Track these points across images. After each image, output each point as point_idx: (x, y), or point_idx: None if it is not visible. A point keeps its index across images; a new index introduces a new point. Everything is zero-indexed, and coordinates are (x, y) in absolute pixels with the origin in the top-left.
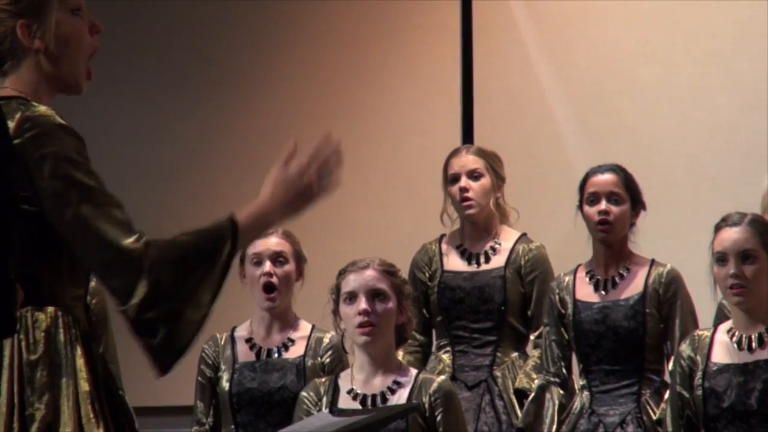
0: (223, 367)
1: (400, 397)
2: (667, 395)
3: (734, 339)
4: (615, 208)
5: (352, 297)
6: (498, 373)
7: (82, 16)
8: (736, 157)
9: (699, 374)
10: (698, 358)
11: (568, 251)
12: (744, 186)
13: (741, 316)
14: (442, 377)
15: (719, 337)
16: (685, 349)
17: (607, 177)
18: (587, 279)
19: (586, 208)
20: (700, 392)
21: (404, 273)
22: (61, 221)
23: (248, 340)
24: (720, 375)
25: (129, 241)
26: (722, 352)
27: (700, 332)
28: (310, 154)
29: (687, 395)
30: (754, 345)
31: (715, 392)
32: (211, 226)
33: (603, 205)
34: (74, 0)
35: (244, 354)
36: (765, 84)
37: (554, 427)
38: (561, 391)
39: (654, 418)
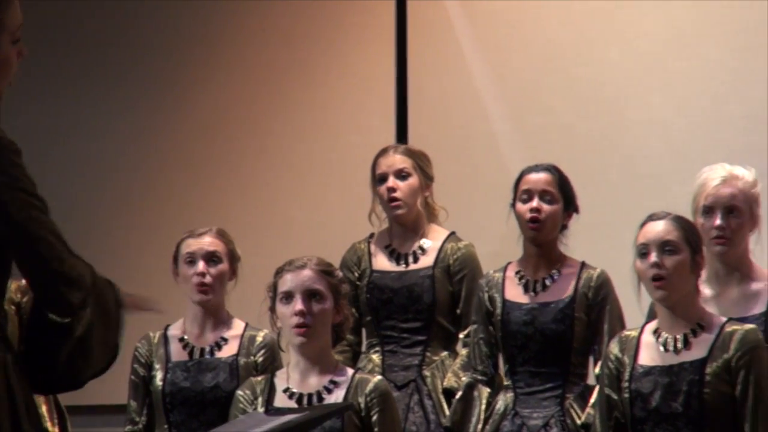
0: (156, 366)
1: (337, 397)
2: (592, 399)
3: (660, 340)
4: (547, 206)
5: (288, 297)
6: (427, 373)
7: (17, 46)
8: (671, 156)
9: (626, 376)
10: (626, 359)
11: (503, 250)
12: (678, 186)
13: (666, 315)
14: (378, 377)
15: (645, 338)
16: (612, 349)
17: (541, 175)
18: (517, 279)
19: (519, 205)
20: (627, 394)
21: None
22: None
23: (181, 339)
24: (646, 377)
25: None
26: (648, 354)
27: (627, 332)
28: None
29: (615, 397)
30: (679, 346)
31: (641, 394)
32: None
33: (535, 202)
34: (17, 31)
35: (177, 353)
36: (699, 83)
37: (480, 426)
38: (488, 390)
39: (578, 422)
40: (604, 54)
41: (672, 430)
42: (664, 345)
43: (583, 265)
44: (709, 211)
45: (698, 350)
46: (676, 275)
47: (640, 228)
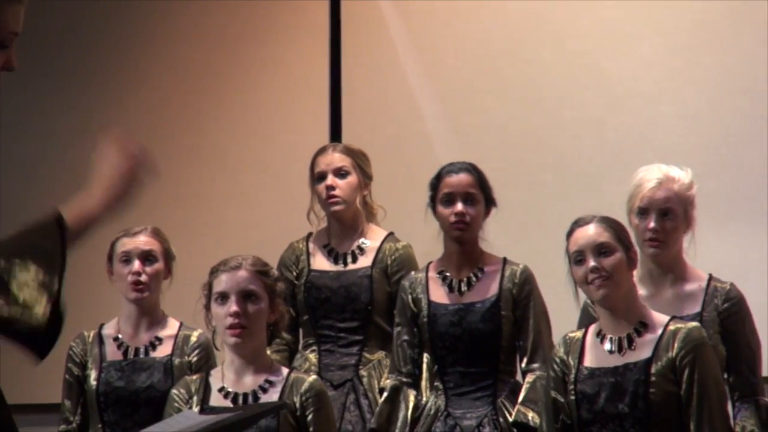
0: (90, 365)
1: (272, 396)
2: (521, 395)
3: (604, 342)
4: (471, 209)
5: (223, 297)
6: (363, 373)
7: (4, 52)
8: (604, 155)
9: (572, 378)
10: (571, 361)
11: (438, 250)
12: (612, 185)
13: (608, 316)
14: (314, 377)
15: (590, 340)
16: (557, 352)
17: (462, 177)
18: (440, 280)
19: (441, 208)
20: (572, 396)
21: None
22: None
23: (116, 339)
24: (591, 379)
25: None
26: (593, 356)
27: (572, 334)
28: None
29: (561, 399)
30: (624, 346)
31: (586, 396)
32: (38, 226)
33: (459, 206)
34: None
35: (111, 352)
36: (632, 82)
37: (407, 429)
38: (414, 392)
39: (510, 419)
40: (537, 54)
41: (619, 431)
42: (609, 346)
43: (506, 261)
44: (643, 212)
45: (643, 350)
46: (616, 275)
47: (569, 236)
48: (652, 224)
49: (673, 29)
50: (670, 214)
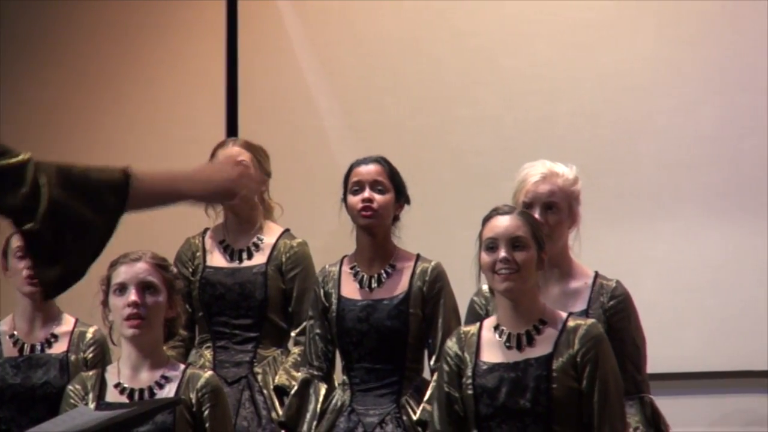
0: None
1: (169, 392)
2: (427, 394)
3: (503, 337)
4: (379, 196)
5: (122, 289)
6: (258, 370)
7: None
8: (500, 152)
9: (468, 373)
10: (466, 356)
11: (334, 247)
12: (509, 182)
13: (508, 310)
14: (210, 372)
15: (486, 335)
16: (451, 346)
17: (371, 167)
18: (352, 275)
19: (350, 197)
20: (470, 391)
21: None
22: None
23: (11, 336)
24: (490, 374)
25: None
26: (491, 351)
27: (465, 329)
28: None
29: (455, 394)
30: (523, 343)
31: (486, 390)
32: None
33: (366, 192)
34: None
35: (7, 349)
36: (528, 79)
37: (315, 422)
38: (325, 386)
39: (414, 418)
40: (434, 51)
41: (520, 427)
42: (507, 342)
43: (418, 258)
44: (528, 207)
45: (543, 346)
46: (525, 270)
47: (485, 221)
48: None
49: (570, 27)
50: (554, 208)
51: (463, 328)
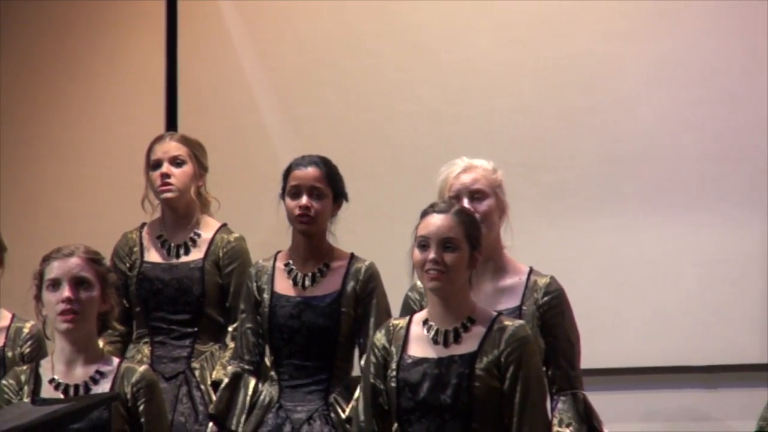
0: None
1: (104, 387)
2: (356, 392)
3: (431, 332)
4: (317, 203)
5: (55, 284)
6: (196, 365)
7: None
8: (440, 147)
9: (393, 366)
10: (393, 349)
11: (272, 242)
12: None
13: (438, 306)
14: (145, 367)
15: (414, 329)
16: (379, 338)
17: (309, 171)
18: (286, 272)
19: (288, 200)
20: (393, 384)
21: (108, 261)
22: None
23: None
24: (414, 368)
25: None
26: (418, 345)
27: (395, 322)
28: None
29: (380, 386)
30: (450, 339)
31: (409, 384)
32: None
33: (304, 199)
34: None
35: None
36: (469, 76)
37: (244, 416)
38: (254, 379)
39: (342, 416)
40: (374, 46)
41: (439, 422)
42: (435, 337)
43: (353, 257)
44: (455, 199)
45: (468, 344)
46: (453, 271)
47: (421, 217)
48: (465, 205)
49: (509, 22)
50: (480, 194)
51: (393, 321)
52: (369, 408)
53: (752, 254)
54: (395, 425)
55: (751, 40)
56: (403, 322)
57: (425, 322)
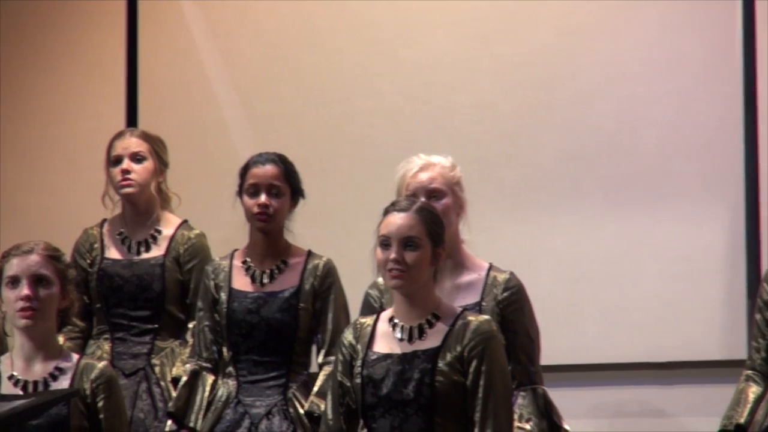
0: None
1: (63, 383)
2: (315, 387)
3: (396, 329)
4: (275, 201)
5: (14, 281)
6: (156, 361)
7: None
8: (399, 143)
9: (359, 362)
10: (359, 346)
11: (233, 238)
12: None
13: (402, 303)
14: (104, 363)
15: (381, 326)
16: (347, 336)
17: (268, 169)
18: (244, 270)
19: (246, 198)
20: (358, 380)
21: (68, 257)
22: None
23: None
24: (378, 364)
25: None
26: (384, 342)
27: (362, 320)
28: None
29: (347, 383)
30: (414, 335)
31: (372, 380)
32: None
33: (263, 197)
34: None
35: None
36: (428, 72)
37: (202, 413)
38: (212, 376)
39: (301, 411)
40: (332, 42)
41: (402, 417)
42: (399, 334)
43: (310, 254)
44: (412, 197)
45: (432, 339)
46: (415, 270)
47: (384, 215)
48: None
49: (469, 19)
50: (438, 194)
51: (360, 319)
52: (337, 406)
53: (711, 251)
54: (362, 422)
55: (708, 36)
56: (370, 320)
57: (391, 319)
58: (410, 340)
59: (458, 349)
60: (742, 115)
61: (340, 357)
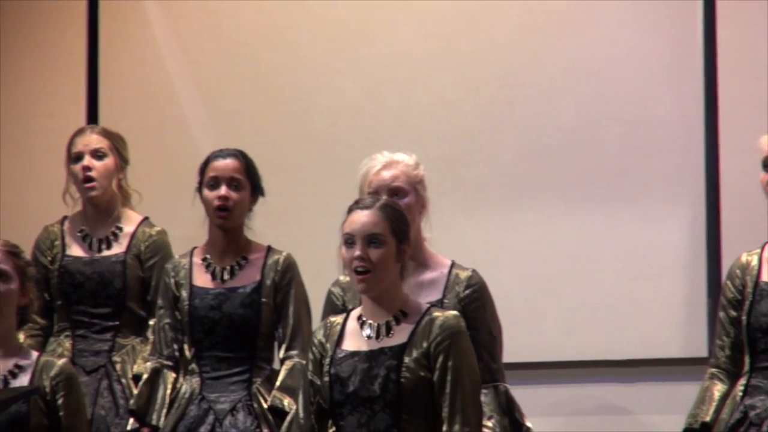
0: None
1: (23, 381)
2: (278, 381)
3: (364, 327)
4: (235, 194)
5: None
6: (117, 358)
7: None
8: (361, 141)
9: (327, 361)
10: (328, 345)
11: (194, 235)
12: None
13: (369, 303)
14: (64, 360)
15: (350, 325)
16: (317, 335)
17: (228, 162)
18: (204, 267)
19: (206, 192)
20: (327, 378)
21: (28, 254)
22: None
23: None
24: (346, 361)
25: None
26: (352, 340)
27: (333, 319)
28: None
29: (318, 382)
30: (382, 333)
31: (339, 378)
32: None
33: (223, 190)
34: None
35: None
36: (388, 68)
37: (164, 410)
38: (173, 374)
39: (265, 406)
40: (294, 39)
41: (369, 413)
42: (368, 332)
43: (270, 249)
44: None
45: (399, 336)
46: (381, 267)
47: (347, 213)
48: None
49: (429, 16)
50: (400, 192)
51: (331, 318)
52: (308, 405)
53: (671, 249)
54: (331, 421)
55: (669, 34)
56: (340, 318)
57: (360, 317)
58: (378, 337)
59: (425, 345)
60: (703, 113)
61: (311, 356)
